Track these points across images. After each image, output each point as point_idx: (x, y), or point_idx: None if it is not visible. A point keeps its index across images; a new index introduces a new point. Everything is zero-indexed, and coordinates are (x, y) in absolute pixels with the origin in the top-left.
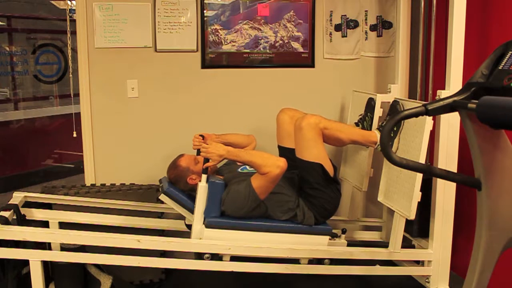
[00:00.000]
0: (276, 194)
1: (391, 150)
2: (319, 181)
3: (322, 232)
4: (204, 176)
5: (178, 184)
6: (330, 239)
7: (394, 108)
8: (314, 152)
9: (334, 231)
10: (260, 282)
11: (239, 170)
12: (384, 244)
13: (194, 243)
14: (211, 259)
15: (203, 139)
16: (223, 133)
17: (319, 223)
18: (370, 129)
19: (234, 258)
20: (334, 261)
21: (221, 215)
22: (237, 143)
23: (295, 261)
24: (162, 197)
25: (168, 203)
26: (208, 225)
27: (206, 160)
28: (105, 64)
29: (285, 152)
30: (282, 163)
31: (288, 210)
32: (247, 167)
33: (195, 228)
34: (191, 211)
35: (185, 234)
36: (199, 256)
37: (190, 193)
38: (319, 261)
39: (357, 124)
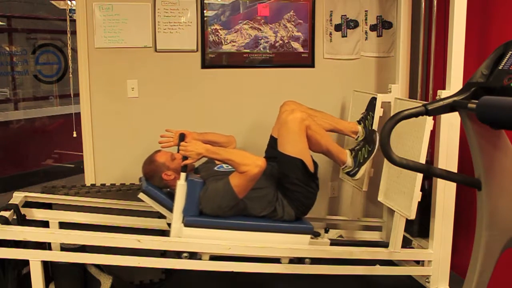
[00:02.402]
0: (255, 190)
1: (391, 150)
2: (299, 177)
3: (303, 231)
4: (183, 175)
5: (153, 180)
6: (312, 238)
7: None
8: (297, 147)
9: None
10: (260, 281)
11: (215, 168)
12: (384, 244)
13: (173, 241)
14: (190, 258)
15: (184, 136)
16: (204, 132)
17: (298, 219)
18: (371, 128)
19: (214, 258)
20: (333, 261)
21: (200, 214)
22: (218, 142)
23: (277, 260)
24: (141, 195)
25: (148, 202)
26: (187, 224)
27: (185, 158)
28: (105, 64)
29: (273, 141)
30: (261, 162)
31: (267, 204)
32: (224, 165)
33: (174, 227)
34: (171, 209)
35: None
36: (177, 255)
37: (169, 191)
38: (300, 260)
39: (359, 122)
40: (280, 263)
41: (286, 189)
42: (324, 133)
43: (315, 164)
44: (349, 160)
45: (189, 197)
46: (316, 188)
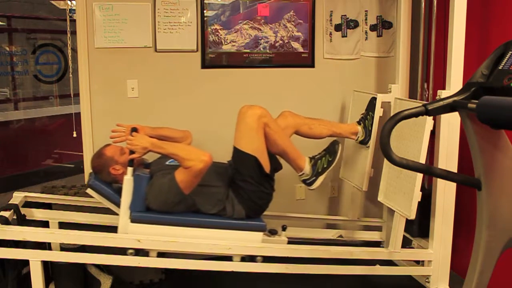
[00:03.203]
0: (205, 187)
1: (391, 150)
2: (252, 175)
3: (255, 228)
4: (129, 169)
5: (101, 174)
6: (269, 236)
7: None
8: (253, 143)
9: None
10: (260, 281)
11: (167, 163)
12: (384, 244)
13: (119, 238)
14: (135, 255)
15: (136, 131)
16: (158, 126)
17: (251, 218)
18: (371, 128)
19: (161, 254)
20: (333, 261)
21: (148, 209)
22: (172, 137)
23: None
24: (89, 191)
25: (96, 197)
26: (133, 219)
27: (132, 152)
28: (105, 64)
29: None
30: (206, 157)
31: (217, 202)
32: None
33: (121, 223)
34: (119, 205)
35: None
36: (124, 251)
37: (119, 187)
38: (251, 259)
39: (359, 123)
40: (232, 260)
41: (238, 187)
42: (283, 134)
43: (278, 165)
44: (307, 168)
45: (136, 192)
46: (270, 189)
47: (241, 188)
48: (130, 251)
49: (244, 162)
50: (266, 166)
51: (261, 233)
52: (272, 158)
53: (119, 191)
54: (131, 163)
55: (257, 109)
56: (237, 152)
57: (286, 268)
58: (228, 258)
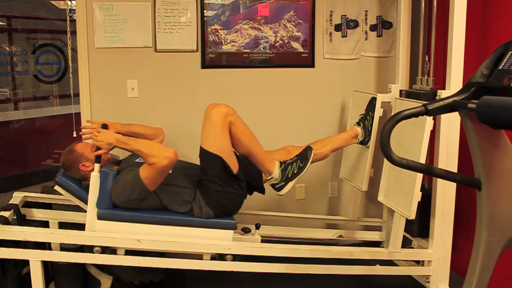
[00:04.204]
0: (171, 186)
1: (391, 150)
2: (218, 175)
3: (224, 226)
4: (96, 166)
5: (70, 171)
6: (242, 234)
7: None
8: (218, 142)
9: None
10: (261, 281)
11: (136, 160)
12: (384, 244)
13: (86, 235)
14: (102, 253)
15: (106, 127)
16: (129, 123)
17: (221, 217)
18: (371, 128)
19: (129, 252)
20: (333, 261)
21: (115, 207)
22: (143, 134)
23: (200, 256)
24: (57, 187)
25: (64, 195)
26: (100, 216)
27: (98, 148)
28: (105, 64)
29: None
30: (170, 154)
31: (183, 202)
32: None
33: (88, 220)
34: (87, 202)
35: None
36: (90, 249)
37: (87, 184)
38: (221, 257)
39: (358, 123)
40: (202, 259)
41: (205, 187)
42: (250, 134)
43: (256, 180)
44: (276, 172)
45: (102, 188)
46: (239, 190)
47: (208, 188)
48: (97, 248)
49: (210, 162)
50: (234, 166)
51: (231, 231)
52: (255, 177)
53: (88, 189)
54: (98, 159)
55: (223, 107)
56: (203, 152)
57: (286, 268)
58: (199, 256)
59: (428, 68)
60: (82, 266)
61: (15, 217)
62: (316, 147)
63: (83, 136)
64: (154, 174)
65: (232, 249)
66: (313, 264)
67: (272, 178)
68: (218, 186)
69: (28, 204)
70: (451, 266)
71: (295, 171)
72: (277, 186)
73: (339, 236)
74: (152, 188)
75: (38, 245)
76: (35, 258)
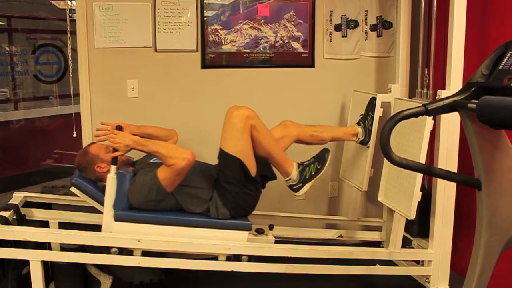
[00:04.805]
0: (188, 187)
1: (391, 150)
2: (237, 177)
3: (240, 227)
4: (113, 167)
5: (86, 172)
6: (255, 235)
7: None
8: (238, 145)
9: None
10: (260, 281)
11: (150, 161)
12: (384, 244)
13: (103, 237)
14: (119, 254)
15: (120, 129)
16: (143, 125)
17: (236, 218)
18: (371, 128)
19: (146, 253)
20: (333, 261)
21: (131, 208)
22: (157, 135)
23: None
24: (72, 189)
25: (80, 196)
26: (117, 218)
27: (115, 150)
28: (105, 64)
29: None
30: (189, 155)
31: (200, 202)
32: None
33: (104, 222)
34: (103, 203)
35: None
36: (107, 250)
37: (103, 185)
38: (236, 258)
39: (358, 124)
40: (217, 259)
41: (222, 188)
42: (270, 137)
43: (271, 175)
44: (294, 174)
45: (119, 190)
46: (255, 191)
47: (226, 189)
48: (114, 249)
49: (229, 164)
50: (252, 169)
51: (246, 232)
52: (265, 166)
53: (103, 190)
54: (114, 161)
55: (245, 110)
56: (222, 154)
57: (286, 268)
58: (214, 257)
59: (427, 81)
60: (82, 266)
61: (15, 217)
62: (316, 129)
63: (98, 138)
64: (172, 175)
65: (247, 250)
66: (313, 264)
67: (290, 179)
68: (235, 188)
69: (28, 204)
70: (451, 266)
71: (313, 173)
72: (294, 187)
73: (339, 236)
74: (170, 189)
75: (38, 245)
76: (35, 258)
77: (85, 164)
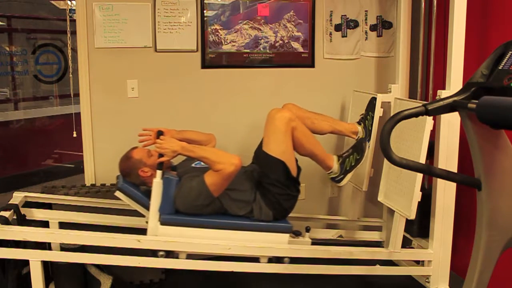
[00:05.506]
0: (233, 191)
1: (391, 150)
2: (279, 179)
3: (281, 230)
4: (159, 172)
5: (129, 177)
6: (293, 237)
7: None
8: (282, 147)
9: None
10: (260, 281)
11: (193, 165)
12: (384, 244)
13: (149, 240)
14: (166, 257)
15: (162, 134)
16: (182, 130)
17: (277, 221)
18: (371, 128)
19: (190, 256)
20: (333, 261)
21: (177, 212)
22: (197, 140)
23: (256, 259)
24: (118, 193)
25: (124, 200)
26: (163, 222)
27: (161, 155)
28: (105, 64)
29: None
30: (236, 160)
31: (244, 204)
32: (202, 162)
33: (150, 225)
34: (148, 207)
35: None
36: (153, 254)
37: (146, 189)
38: (278, 260)
39: (359, 123)
40: (259, 262)
41: (265, 190)
42: (311, 136)
43: (299, 168)
44: (335, 166)
45: (165, 194)
46: (296, 192)
47: (269, 191)
48: (161, 253)
49: (272, 166)
50: (293, 169)
51: (287, 235)
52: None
53: (146, 194)
54: (160, 166)
55: (286, 112)
56: (265, 156)
57: (286, 268)
58: (256, 259)
59: (427, 93)
60: (82, 266)
61: (15, 217)
62: (318, 117)
63: (142, 143)
64: (220, 180)
65: (286, 252)
66: (313, 264)
67: (331, 172)
68: (278, 189)
69: (28, 204)
70: (451, 266)
71: (353, 164)
72: (336, 179)
73: (339, 236)
74: (216, 194)
75: (38, 245)
76: (35, 258)
77: (128, 169)
